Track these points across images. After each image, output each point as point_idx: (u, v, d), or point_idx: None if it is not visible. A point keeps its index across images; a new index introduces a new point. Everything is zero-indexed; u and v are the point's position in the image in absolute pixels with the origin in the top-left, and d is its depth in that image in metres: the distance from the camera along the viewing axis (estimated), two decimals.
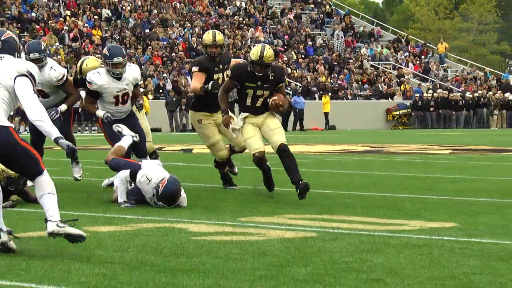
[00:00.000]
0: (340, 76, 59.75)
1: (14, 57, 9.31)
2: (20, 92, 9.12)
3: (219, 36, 15.50)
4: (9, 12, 52.72)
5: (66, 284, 7.53)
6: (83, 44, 52.07)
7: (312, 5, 68.58)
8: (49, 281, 7.63)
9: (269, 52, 13.44)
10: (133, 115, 14.98)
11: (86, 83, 14.37)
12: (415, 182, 16.43)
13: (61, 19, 54.68)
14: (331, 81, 58.43)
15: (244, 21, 62.27)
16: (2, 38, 9.36)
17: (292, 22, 64.73)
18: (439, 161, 24.17)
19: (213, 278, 7.79)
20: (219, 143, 15.68)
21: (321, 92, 55.87)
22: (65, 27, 53.54)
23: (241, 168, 16.38)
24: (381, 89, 59.49)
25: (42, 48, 13.43)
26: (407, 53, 67.10)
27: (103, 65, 14.77)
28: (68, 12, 55.54)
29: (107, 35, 54.48)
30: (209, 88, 14.46)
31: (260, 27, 62.17)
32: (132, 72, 14.48)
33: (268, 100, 13.74)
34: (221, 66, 15.34)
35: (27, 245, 9.54)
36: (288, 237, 10.18)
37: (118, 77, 14.25)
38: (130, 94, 14.51)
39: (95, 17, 55.97)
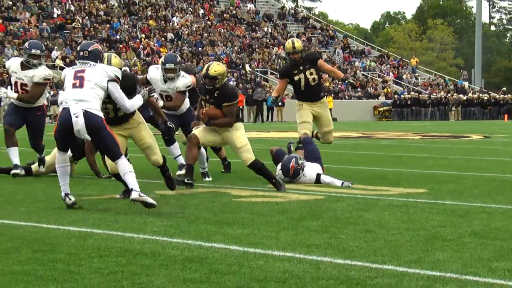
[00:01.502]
0: (340, 82, 59.69)
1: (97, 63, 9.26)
2: (113, 93, 9.24)
3: (298, 43, 13.27)
4: (101, 35, 52.75)
5: (143, 232, 7.54)
6: (153, 58, 52.10)
7: (319, 30, 68.39)
8: (130, 230, 7.64)
9: (214, 67, 11.05)
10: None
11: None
12: (395, 159, 16.39)
13: (137, 40, 54.70)
14: (333, 85, 58.33)
15: (270, 42, 62.16)
16: (89, 49, 9.28)
17: (305, 42, 64.60)
18: (412, 144, 24.08)
19: (249, 228, 7.78)
20: (309, 124, 13.39)
21: (326, 94, 55.76)
22: (141, 46, 53.58)
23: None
24: (370, 91, 59.45)
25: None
26: (388, 65, 66.92)
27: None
28: (143, 35, 55.55)
29: (171, 51, 54.50)
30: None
31: (281, 46, 62.03)
32: (183, 81, 12.38)
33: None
34: (301, 68, 13.13)
35: (115, 204, 9.56)
36: (304, 199, 10.17)
37: (166, 80, 12.32)
38: (173, 97, 12.47)
39: (162, 39, 55.98)
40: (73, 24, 52.18)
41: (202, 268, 6.01)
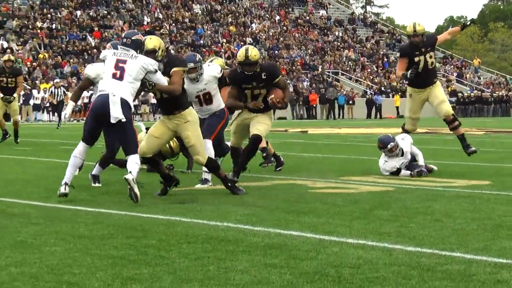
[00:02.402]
0: (406, 82, 59.12)
1: (137, 53, 8.95)
2: (157, 84, 9.03)
3: (419, 27, 12.10)
4: (186, 40, 53.14)
5: (227, 221, 7.53)
6: (234, 61, 52.29)
7: (387, 34, 67.76)
8: (215, 219, 7.64)
9: (253, 51, 10.02)
10: (213, 115, 10.90)
11: None
12: (460, 153, 16.09)
13: (219, 44, 54.98)
14: (400, 84, 57.75)
15: (341, 45, 61.84)
16: (133, 38, 9.03)
17: (374, 45, 64.08)
18: (476, 139, 23.67)
19: (324, 218, 7.72)
20: (416, 121, 12.64)
21: (393, 92, 55.31)
22: (222, 50, 53.83)
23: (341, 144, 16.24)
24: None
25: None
26: (452, 66, 65.97)
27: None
28: (224, 40, 55.80)
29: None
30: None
31: (352, 49, 61.70)
32: (209, 71, 10.70)
33: (267, 98, 10.14)
34: (423, 50, 12.12)
35: (200, 195, 9.57)
36: (374, 190, 10.06)
37: (195, 80, 10.56)
38: (212, 93, 10.70)
39: (242, 43, 56.16)
40: (161, 31, 52.65)
41: (281, 254, 5.98)
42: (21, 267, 5.53)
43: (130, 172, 8.64)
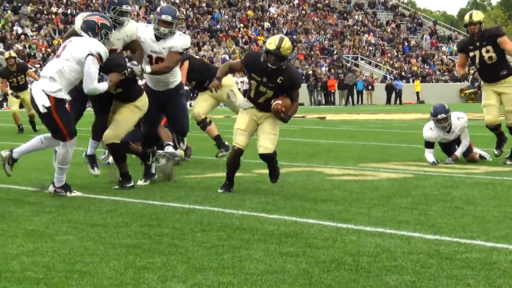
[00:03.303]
0: (427, 66, 58.82)
1: (90, 36, 8.43)
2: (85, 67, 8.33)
3: (476, 15, 11.23)
4: (203, 25, 53.12)
5: (242, 209, 7.53)
6: (251, 46, 52.24)
7: (408, 18, 67.45)
8: (230, 207, 7.64)
9: (287, 44, 8.49)
10: (178, 95, 9.77)
11: None
12: (481, 139, 15.96)
13: (236, 29, 54.91)
14: (421, 69, 57.52)
15: (361, 29, 61.62)
16: (84, 18, 8.62)
17: (394, 29, 63.81)
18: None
19: (342, 205, 7.70)
20: (492, 107, 11.40)
21: (414, 77, 55.08)
22: (239, 35, 53.78)
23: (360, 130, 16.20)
24: (456, 75, 58.54)
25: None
26: None
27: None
28: (242, 25, 55.72)
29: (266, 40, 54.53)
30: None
31: (372, 33, 61.47)
32: (178, 40, 9.27)
33: (271, 101, 8.60)
34: (477, 44, 11.15)
35: (216, 182, 9.56)
36: (393, 177, 10.02)
37: (160, 37, 9.20)
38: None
39: (259, 28, 56.05)
40: (178, 15, 52.68)
41: (297, 242, 5.96)
42: (33, 256, 5.54)
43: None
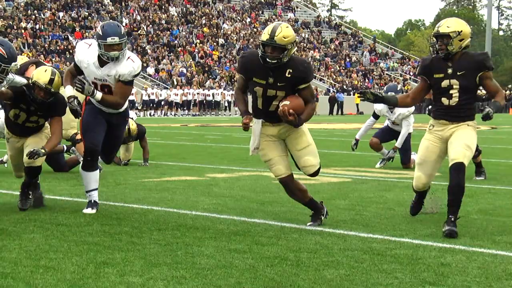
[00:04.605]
0: (366, 81, 59.33)
1: None
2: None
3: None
4: (162, 40, 52.91)
5: (196, 209, 7.56)
6: (206, 60, 52.18)
7: (350, 36, 67.92)
8: (185, 208, 7.66)
9: (284, 31, 6.34)
10: (124, 122, 7.70)
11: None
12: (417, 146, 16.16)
13: (193, 45, 54.80)
14: (361, 83, 58.00)
15: (307, 46, 61.88)
16: None
17: (337, 46, 64.22)
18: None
19: (286, 207, 7.77)
20: None
21: (354, 90, 55.51)
22: (196, 50, 53.67)
23: None
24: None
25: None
26: (409, 66, 66.36)
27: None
28: (198, 41, 55.62)
29: (222, 55, 54.54)
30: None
31: (317, 50, 61.78)
32: (126, 65, 7.10)
33: (279, 103, 6.46)
34: None
35: (172, 185, 9.57)
36: (334, 181, 10.13)
37: (105, 62, 7.11)
38: (114, 89, 7.19)
39: (214, 43, 56.01)
40: (139, 32, 52.42)
41: (245, 240, 6.03)
42: (1, 252, 5.52)
43: None
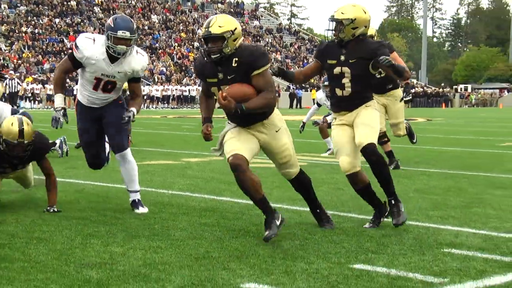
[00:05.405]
0: (322, 79, 59.54)
1: None
2: None
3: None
4: (145, 43, 52.49)
5: (172, 189, 7.47)
6: (183, 61, 51.89)
7: (307, 41, 67.99)
8: (162, 187, 7.55)
9: (219, 20, 5.01)
10: (118, 105, 6.26)
11: (73, 46, 6.02)
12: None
13: (172, 47, 54.43)
14: (317, 81, 58.13)
15: (270, 49, 61.83)
16: None
17: (296, 50, 64.23)
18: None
19: None
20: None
21: (311, 87, 55.60)
22: (174, 52, 53.33)
23: None
24: None
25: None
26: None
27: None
28: (176, 44, 55.27)
29: (196, 56, 54.31)
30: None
31: (279, 52, 61.75)
32: (136, 62, 6.03)
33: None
34: None
35: (151, 168, 9.45)
36: None
37: (114, 57, 5.94)
38: (118, 86, 6.14)
39: (190, 46, 55.71)
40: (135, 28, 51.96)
41: (214, 215, 5.97)
42: (1, 226, 5.42)
43: None
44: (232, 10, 65.36)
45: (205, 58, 5.05)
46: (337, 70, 5.51)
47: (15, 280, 3.94)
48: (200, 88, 5.46)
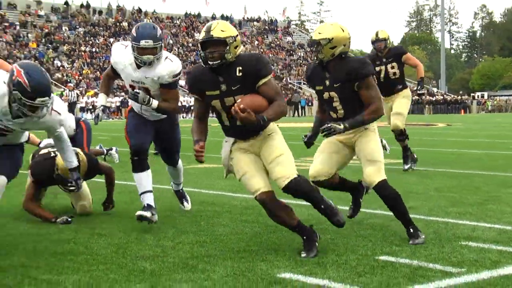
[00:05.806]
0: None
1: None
2: None
3: (381, 33, 9.09)
4: (190, 59, 52.88)
5: (215, 189, 7.52)
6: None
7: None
8: (206, 188, 7.61)
9: (221, 24, 4.30)
10: (174, 125, 5.79)
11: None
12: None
13: None
14: None
15: (303, 62, 61.80)
16: None
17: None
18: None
19: None
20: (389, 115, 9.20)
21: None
22: None
23: None
24: None
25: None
26: None
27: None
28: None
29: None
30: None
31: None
32: (165, 66, 5.32)
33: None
34: (384, 60, 9.12)
35: (195, 171, 9.49)
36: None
37: (140, 65, 5.32)
38: (153, 92, 5.41)
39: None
40: (171, 53, 52.43)
41: (253, 213, 6.01)
42: (68, 225, 5.54)
43: None
44: (267, 27, 65.51)
45: (204, 65, 4.33)
46: (325, 95, 4.94)
47: (79, 270, 4.06)
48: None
